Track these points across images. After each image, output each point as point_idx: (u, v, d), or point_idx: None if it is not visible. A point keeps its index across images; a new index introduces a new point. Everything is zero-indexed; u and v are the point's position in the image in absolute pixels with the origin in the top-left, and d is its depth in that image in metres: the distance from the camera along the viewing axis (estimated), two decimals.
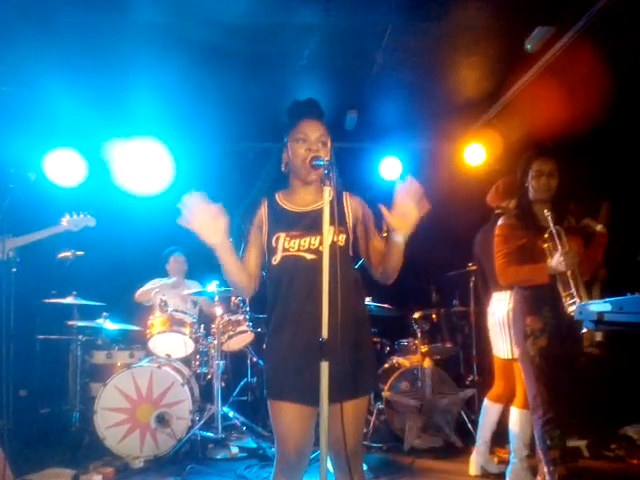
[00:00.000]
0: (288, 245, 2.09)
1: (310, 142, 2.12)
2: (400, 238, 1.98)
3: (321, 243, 2.05)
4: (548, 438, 2.86)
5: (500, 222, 3.18)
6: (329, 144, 2.17)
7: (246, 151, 5.52)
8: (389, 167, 5.50)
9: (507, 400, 3.62)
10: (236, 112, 4.93)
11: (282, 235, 2.11)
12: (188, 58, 3.97)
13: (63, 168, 5.09)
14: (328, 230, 1.92)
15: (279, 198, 2.23)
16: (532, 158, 3.09)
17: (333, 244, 2.02)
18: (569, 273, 2.84)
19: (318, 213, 2.08)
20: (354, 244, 2.20)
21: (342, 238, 2.10)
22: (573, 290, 2.82)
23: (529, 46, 3.74)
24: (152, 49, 3.85)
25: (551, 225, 2.90)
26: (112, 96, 4.47)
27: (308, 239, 2.09)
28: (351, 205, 2.21)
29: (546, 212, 2.93)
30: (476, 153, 5.33)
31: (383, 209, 1.97)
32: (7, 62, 3.94)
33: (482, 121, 5.24)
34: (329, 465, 2.18)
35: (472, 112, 5.09)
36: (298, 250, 2.08)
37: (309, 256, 2.07)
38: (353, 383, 2.03)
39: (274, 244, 2.12)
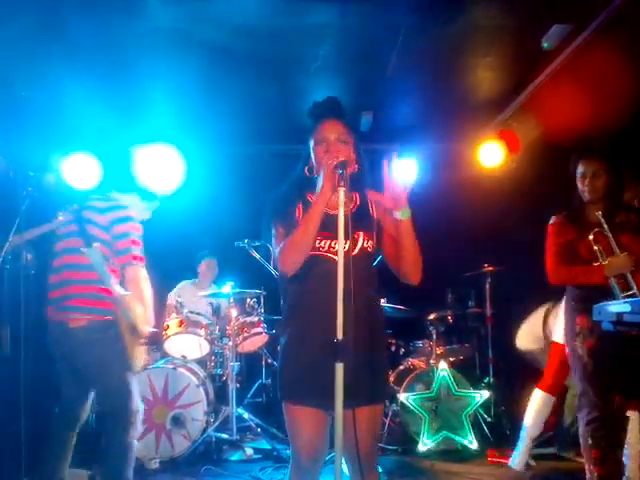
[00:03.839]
0: (319, 244, 2.08)
1: (329, 143, 2.11)
2: (399, 215, 2.00)
3: (350, 248, 2.03)
4: (590, 437, 2.87)
5: (551, 221, 3.17)
6: (351, 142, 2.16)
7: (261, 153, 5.53)
8: (404, 168, 5.47)
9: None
10: (251, 114, 4.93)
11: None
12: (203, 61, 3.98)
13: (81, 171, 5.13)
14: (356, 236, 1.98)
15: (311, 199, 2.21)
16: (577, 160, 3.07)
17: (363, 249, 2.08)
18: (629, 275, 2.83)
19: (347, 216, 2.07)
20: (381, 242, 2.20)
21: (370, 244, 2.12)
22: (635, 290, 2.79)
23: (546, 44, 3.69)
24: (167, 53, 3.87)
25: (605, 226, 2.87)
26: (128, 99, 4.50)
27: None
28: (375, 203, 2.19)
29: (598, 214, 2.90)
30: (492, 154, 5.29)
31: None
32: (26, 68, 3.99)
33: (498, 121, 5.19)
34: (344, 467, 2.19)
35: (488, 112, 5.05)
36: (328, 251, 2.08)
37: (337, 258, 2.05)
38: (367, 389, 2.02)
39: None
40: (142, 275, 2.94)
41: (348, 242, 2.03)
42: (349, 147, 2.14)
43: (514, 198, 5.08)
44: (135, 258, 2.92)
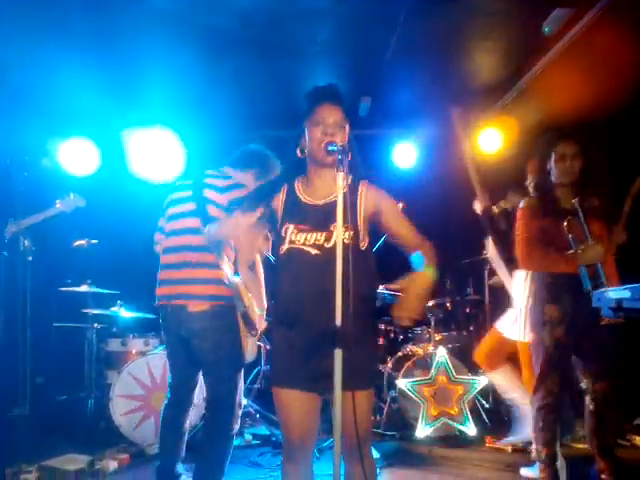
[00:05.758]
0: (295, 237, 2.11)
1: (326, 125, 2.11)
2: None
3: (326, 240, 2.06)
4: (541, 420, 2.99)
5: (521, 205, 3.14)
6: (347, 129, 2.16)
7: (259, 139, 5.48)
8: (403, 154, 5.46)
9: None
10: (249, 100, 4.90)
11: (291, 227, 2.13)
12: (201, 46, 3.95)
13: (77, 157, 5.11)
14: (332, 228, 1.98)
15: (297, 186, 2.22)
16: (554, 141, 3.04)
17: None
18: (599, 264, 2.84)
19: (329, 207, 2.06)
20: (376, 233, 2.21)
21: (348, 235, 2.07)
22: (603, 280, 2.81)
23: (547, 29, 3.66)
24: (165, 37, 3.84)
25: (580, 214, 2.87)
26: (125, 84, 4.46)
27: (314, 234, 2.09)
28: (367, 196, 2.18)
29: (575, 201, 2.89)
30: (492, 139, 5.26)
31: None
32: (22, 53, 3.95)
33: (498, 106, 5.16)
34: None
35: (488, 97, 5.02)
36: (304, 244, 2.09)
37: (313, 251, 2.07)
38: (358, 373, 2.03)
39: (283, 234, 2.13)
40: (257, 260, 2.84)
41: (323, 234, 2.07)
42: (344, 133, 2.14)
43: (513, 183, 5.05)
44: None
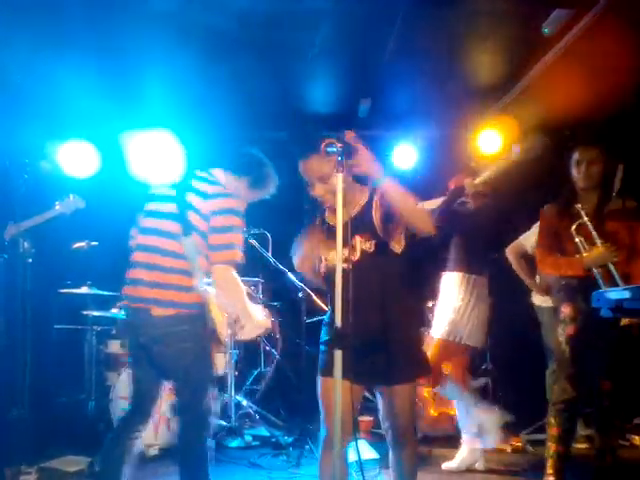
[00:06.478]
0: (327, 256, 2.35)
1: (311, 184, 2.32)
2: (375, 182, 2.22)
3: (351, 254, 2.23)
4: (553, 417, 3.06)
5: (543, 210, 3.26)
6: (334, 156, 2.13)
7: (259, 140, 5.49)
8: (403, 155, 5.45)
9: None
10: (249, 101, 4.90)
11: (322, 247, 2.36)
12: (200, 47, 3.94)
13: (77, 159, 5.10)
14: (353, 242, 2.20)
15: (326, 214, 2.45)
16: (573, 147, 3.13)
17: (363, 252, 2.26)
18: (611, 265, 2.88)
19: (350, 222, 2.17)
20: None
21: (369, 245, 2.26)
22: (618, 280, 2.85)
23: (547, 30, 3.66)
24: (163, 39, 3.83)
25: (585, 219, 2.95)
26: (125, 86, 4.46)
27: (342, 250, 2.21)
28: (379, 198, 2.31)
29: (578, 206, 2.99)
30: (491, 140, 5.25)
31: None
32: (21, 55, 3.95)
33: (498, 107, 5.16)
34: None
35: (488, 98, 5.01)
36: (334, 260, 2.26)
37: (344, 265, 2.20)
38: (384, 372, 2.24)
39: (320, 255, 2.40)
40: (232, 276, 2.60)
41: (347, 249, 2.19)
42: (332, 167, 2.17)
43: (513, 184, 5.05)
44: (231, 257, 2.58)
